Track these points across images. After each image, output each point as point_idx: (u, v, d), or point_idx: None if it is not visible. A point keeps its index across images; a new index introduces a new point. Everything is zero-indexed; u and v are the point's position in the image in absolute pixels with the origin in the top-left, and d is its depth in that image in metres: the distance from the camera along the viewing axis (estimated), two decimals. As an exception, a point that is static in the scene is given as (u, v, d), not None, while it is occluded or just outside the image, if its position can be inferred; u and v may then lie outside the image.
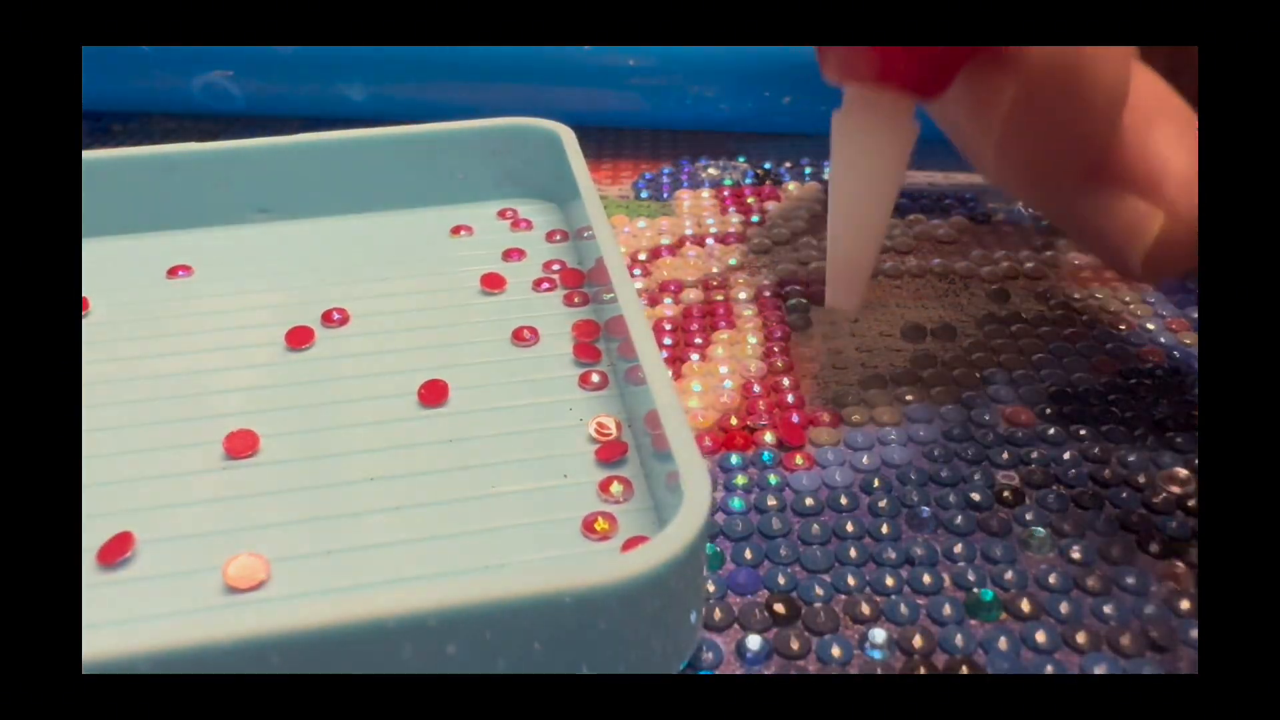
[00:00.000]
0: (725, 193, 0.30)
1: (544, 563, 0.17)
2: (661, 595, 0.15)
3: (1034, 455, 0.20)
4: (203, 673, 0.13)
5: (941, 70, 0.18)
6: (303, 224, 0.26)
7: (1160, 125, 0.19)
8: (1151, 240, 0.18)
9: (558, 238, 0.25)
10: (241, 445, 0.19)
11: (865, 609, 0.18)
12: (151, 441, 0.19)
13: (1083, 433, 0.21)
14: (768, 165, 0.31)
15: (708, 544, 0.18)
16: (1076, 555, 0.18)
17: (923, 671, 0.17)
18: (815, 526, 0.19)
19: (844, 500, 0.19)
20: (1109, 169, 0.19)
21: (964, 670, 0.17)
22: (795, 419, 0.21)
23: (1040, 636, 0.17)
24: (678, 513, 0.15)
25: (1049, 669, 0.17)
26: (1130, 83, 0.18)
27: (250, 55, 0.33)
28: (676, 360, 0.23)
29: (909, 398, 0.22)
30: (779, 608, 0.18)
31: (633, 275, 0.26)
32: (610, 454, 0.19)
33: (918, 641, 0.17)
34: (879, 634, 0.17)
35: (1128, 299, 0.25)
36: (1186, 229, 0.18)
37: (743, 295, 0.25)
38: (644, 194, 0.30)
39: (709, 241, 0.28)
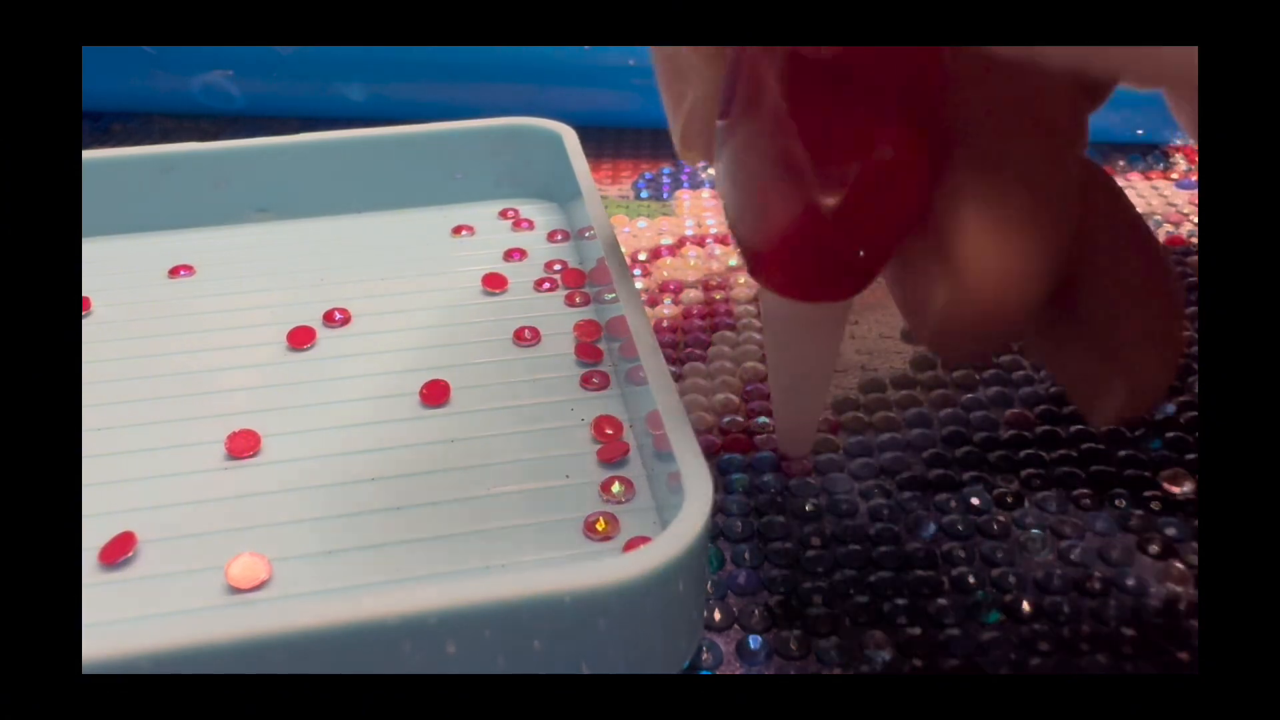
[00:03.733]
0: (725, 193, 0.30)
1: (545, 563, 0.17)
2: (663, 596, 0.15)
3: (1033, 458, 0.20)
4: (204, 673, 0.13)
5: (853, 282, 0.16)
6: (304, 224, 0.26)
7: (1126, 288, 0.17)
8: (1115, 411, 0.17)
9: (559, 238, 0.25)
10: (243, 445, 0.19)
11: (865, 610, 0.18)
12: (153, 441, 0.19)
13: (1082, 434, 0.21)
14: (768, 166, 0.31)
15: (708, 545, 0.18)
16: (1076, 557, 0.18)
17: (922, 672, 0.17)
18: (814, 528, 0.19)
19: (843, 502, 0.19)
20: (1061, 315, 0.17)
21: (963, 671, 0.17)
22: (795, 419, 0.21)
23: (1039, 638, 0.17)
24: (679, 513, 0.15)
25: (1049, 670, 0.17)
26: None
27: (250, 55, 0.33)
28: (677, 361, 0.23)
29: (908, 400, 0.22)
30: (779, 608, 0.18)
31: (633, 275, 0.26)
32: (611, 454, 0.19)
33: (917, 643, 0.17)
34: (879, 635, 0.17)
35: (1127, 300, 0.25)
36: (1149, 396, 0.16)
37: (743, 295, 0.25)
38: (644, 194, 0.30)
39: (709, 241, 0.28)
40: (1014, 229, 0.15)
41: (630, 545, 0.17)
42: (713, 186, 0.30)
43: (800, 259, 0.15)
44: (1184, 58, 0.14)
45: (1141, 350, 0.16)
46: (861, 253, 0.15)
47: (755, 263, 0.16)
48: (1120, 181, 0.31)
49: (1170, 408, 0.21)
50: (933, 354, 0.18)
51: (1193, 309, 0.25)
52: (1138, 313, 0.16)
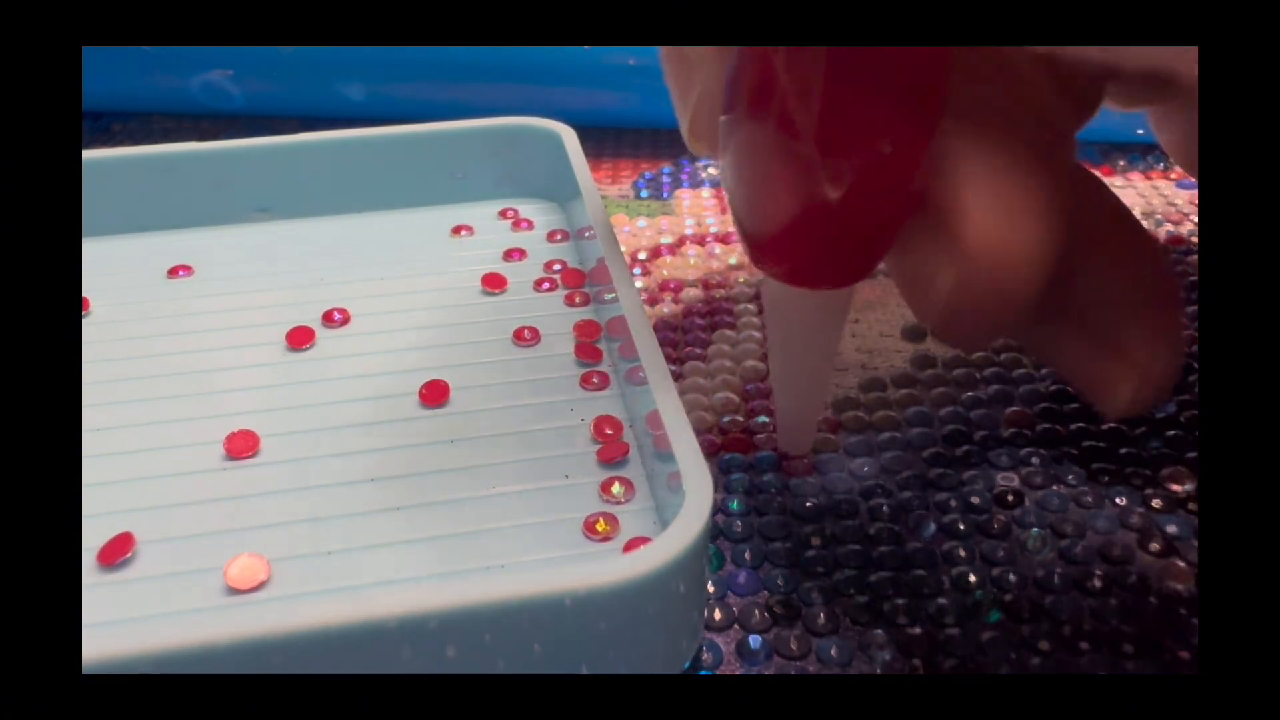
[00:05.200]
0: (725, 192, 0.30)
1: (545, 564, 0.17)
2: (663, 597, 0.15)
3: (1033, 456, 0.20)
4: (202, 673, 0.13)
5: (857, 268, 0.16)
6: (303, 224, 0.26)
7: (1126, 281, 0.17)
8: (1125, 403, 0.17)
9: (559, 237, 0.25)
10: (242, 445, 0.19)
11: (865, 610, 0.18)
12: (152, 442, 0.19)
13: (1082, 433, 0.21)
14: (768, 165, 0.31)
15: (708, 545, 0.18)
16: (1076, 556, 0.18)
17: (922, 672, 0.17)
18: (814, 528, 0.19)
19: (843, 502, 0.19)
20: (1061, 312, 0.17)
21: (963, 671, 0.17)
22: (795, 419, 0.21)
23: (1040, 638, 0.17)
24: (679, 513, 0.15)
25: (1049, 670, 0.17)
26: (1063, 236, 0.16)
27: (250, 55, 0.33)
28: (677, 360, 0.23)
29: (909, 398, 0.22)
30: (779, 608, 0.18)
31: (633, 274, 0.26)
32: (611, 454, 0.19)
33: (917, 643, 0.17)
34: (879, 635, 0.17)
35: (1128, 299, 0.25)
36: (1157, 388, 0.17)
37: (743, 295, 0.25)
38: (644, 193, 0.30)
39: (709, 241, 0.28)
40: (1017, 209, 0.15)
41: (630, 545, 0.17)
42: (713, 185, 0.30)
43: (803, 248, 0.16)
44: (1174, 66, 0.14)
45: (1148, 344, 0.16)
46: (864, 238, 0.16)
47: (759, 252, 0.16)
48: (1120, 181, 0.31)
49: (1171, 406, 0.21)
50: (938, 340, 0.18)
51: (1193, 308, 0.25)
52: (1141, 307, 0.17)
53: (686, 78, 0.19)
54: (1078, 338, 0.17)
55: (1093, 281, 0.17)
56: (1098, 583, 0.18)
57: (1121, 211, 0.18)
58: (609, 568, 0.14)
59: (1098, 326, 0.17)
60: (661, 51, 0.19)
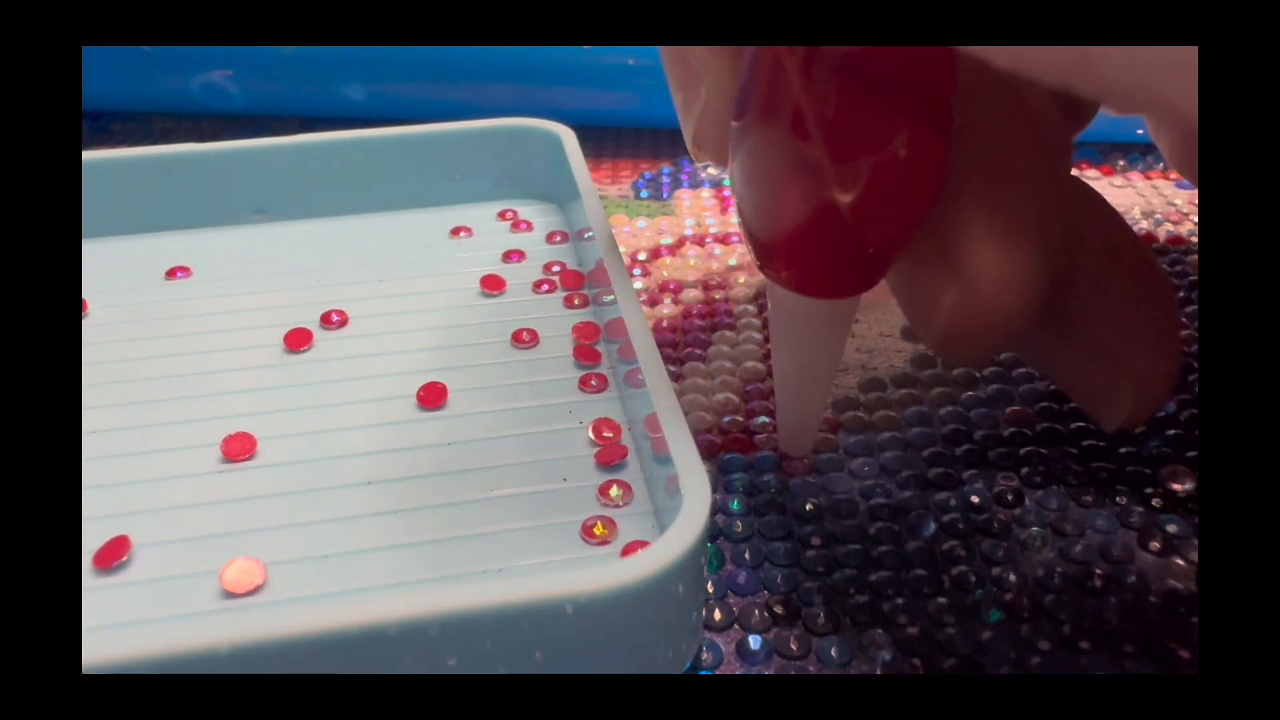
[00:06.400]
0: (725, 192, 0.30)
1: (543, 567, 0.17)
2: (662, 601, 0.15)
3: (1033, 455, 0.20)
4: (198, 675, 0.13)
5: (861, 279, 0.16)
6: (301, 225, 0.26)
7: (1121, 291, 0.17)
8: (1125, 415, 0.17)
9: (558, 239, 0.25)
10: (239, 448, 0.19)
11: (865, 610, 0.17)
12: (148, 444, 0.19)
13: (1082, 431, 0.21)
14: (767, 165, 0.31)
15: (707, 546, 0.18)
16: (1076, 555, 0.18)
17: (922, 672, 0.17)
18: (814, 527, 0.19)
19: (843, 501, 0.19)
20: (1058, 327, 0.17)
21: (963, 671, 0.17)
22: (795, 420, 0.21)
23: (1040, 637, 0.17)
24: (677, 517, 0.15)
25: (1049, 669, 0.17)
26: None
27: (250, 55, 0.33)
28: (676, 360, 0.23)
29: (908, 398, 0.22)
30: (779, 608, 0.18)
31: (632, 275, 0.26)
32: (610, 457, 0.19)
33: (917, 643, 0.17)
34: (879, 635, 0.17)
35: (1128, 298, 0.25)
36: (1156, 398, 0.17)
37: (743, 295, 0.25)
38: (644, 194, 0.30)
39: (709, 241, 0.28)
40: (1018, 235, 0.16)
41: (628, 549, 0.17)
42: (713, 186, 0.30)
43: (812, 256, 0.16)
44: (1167, 82, 0.14)
45: (1145, 357, 0.17)
46: (871, 250, 0.16)
47: (766, 259, 0.16)
48: (1120, 181, 0.31)
49: (1170, 405, 0.21)
50: (935, 355, 0.18)
51: (1193, 308, 0.25)
52: (1138, 320, 0.17)
53: (691, 84, 0.19)
54: (1075, 352, 0.17)
55: (1088, 296, 0.17)
56: (1098, 583, 0.18)
57: (1116, 221, 0.18)
58: (607, 572, 0.14)
59: (1094, 340, 0.17)
60: (664, 57, 0.19)
